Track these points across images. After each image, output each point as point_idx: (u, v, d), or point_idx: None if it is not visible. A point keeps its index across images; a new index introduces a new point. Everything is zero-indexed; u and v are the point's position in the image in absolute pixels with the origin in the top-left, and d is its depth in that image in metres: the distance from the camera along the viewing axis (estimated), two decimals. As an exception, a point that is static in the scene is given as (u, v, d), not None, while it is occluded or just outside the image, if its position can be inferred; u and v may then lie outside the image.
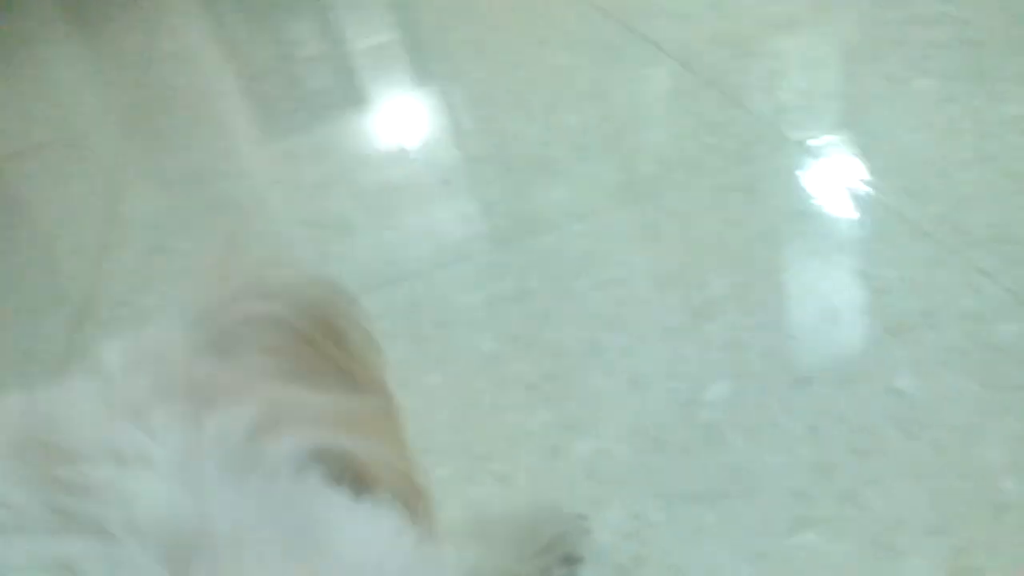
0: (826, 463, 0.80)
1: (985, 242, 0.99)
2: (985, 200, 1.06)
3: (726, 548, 0.74)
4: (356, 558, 0.31)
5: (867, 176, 1.17)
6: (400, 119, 1.68)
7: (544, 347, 1.02)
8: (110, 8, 2.64)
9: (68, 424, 0.32)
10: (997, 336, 0.88)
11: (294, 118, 1.77)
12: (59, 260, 1.50)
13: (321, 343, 0.41)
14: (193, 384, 0.34)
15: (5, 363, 1.22)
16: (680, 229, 1.16)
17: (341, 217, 1.39)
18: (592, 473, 0.85)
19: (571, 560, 0.74)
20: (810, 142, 1.26)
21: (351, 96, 1.87)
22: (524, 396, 0.95)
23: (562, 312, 1.08)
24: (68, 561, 0.28)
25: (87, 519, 0.29)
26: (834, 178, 1.18)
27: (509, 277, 1.16)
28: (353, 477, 0.36)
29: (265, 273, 0.43)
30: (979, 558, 0.69)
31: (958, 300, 0.93)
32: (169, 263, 1.35)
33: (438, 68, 1.88)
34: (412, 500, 0.40)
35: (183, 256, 1.35)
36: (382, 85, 1.85)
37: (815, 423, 0.84)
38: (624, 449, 0.86)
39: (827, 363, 0.90)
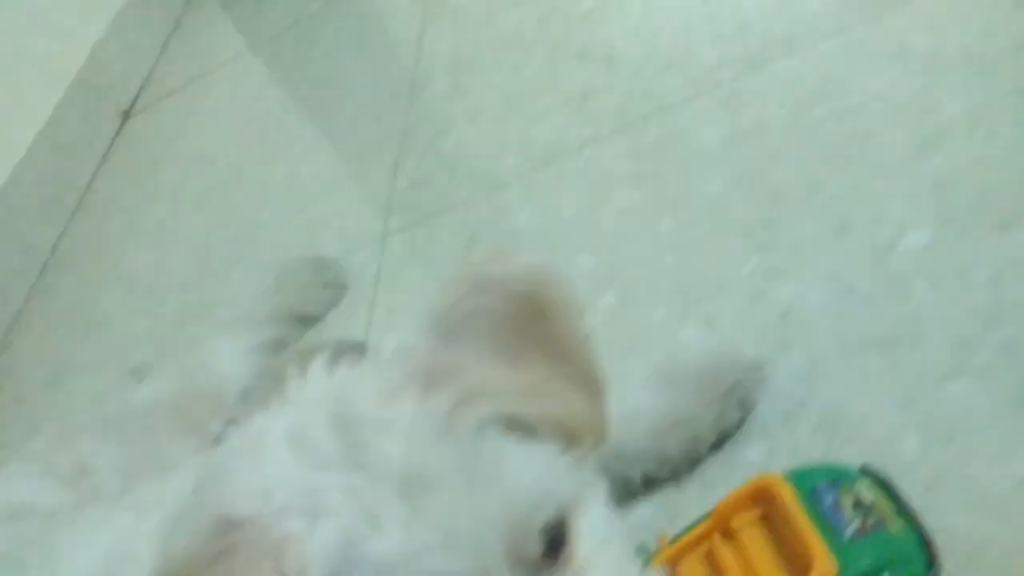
0: (997, 312, 0.84)
1: None
2: None
3: (881, 394, 0.85)
4: (515, 480, 0.52)
5: None
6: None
7: (766, 189, 1.11)
8: None
9: (354, 400, 0.53)
10: None
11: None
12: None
13: (526, 326, 0.59)
14: (426, 371, 0.55)
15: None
16: (927, 45, 1.12)
17: (608, 48, 1.51)
18: (785, 317, 0.98)
19: (745, 406, 0.89)
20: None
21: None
22: (740, 243, 1.08)
23: (791, 149, 1.14)
24: (349, 487, 0.49)
25: (361, 461, 0.50)
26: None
27: (751, 108, 1.24)
28: (523, 429, 0.55)
29: (490, 267, 0.60)
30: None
31: None
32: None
33: None
34: (579, 437, 0.57)
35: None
36: None
37: (1001, 270, 0.87)
38: (817, 296, 0.97)
39: (1034, 206, 0.90)
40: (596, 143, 1.37)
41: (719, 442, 0.89)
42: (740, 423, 0.89)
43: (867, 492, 0.73)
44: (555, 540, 0.54)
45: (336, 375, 0.58)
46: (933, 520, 0.72)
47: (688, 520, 0.80)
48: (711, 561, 0.75)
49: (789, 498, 0.72)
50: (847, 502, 0.71)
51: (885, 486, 0.75)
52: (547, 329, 0.60)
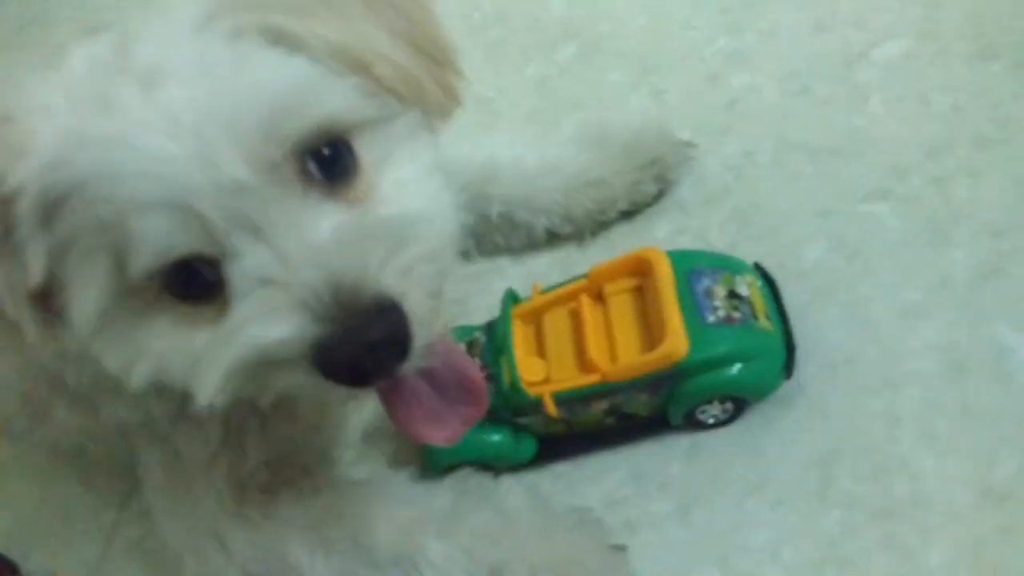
0: (943, 144, 0.81)
1: None
2: None
3: (804, 199, 0.83)
4: (260, 83, 0.50)
5: None
6: None
7: (758, -30, 1.03)
8: None
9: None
10: None
11: None
12: None
13: None
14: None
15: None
16: None
17: None
18: (732, 105, 0.93)
19: (662, 180, 0.86)
20: None
21: None
22: (714, 19, 1.01)
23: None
24: (82, 77, 0.50)
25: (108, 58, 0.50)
26: None
27: None
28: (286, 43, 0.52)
29: None
30: (1013, 266, 0.73)
31: None
32: None
33: None
34: (385, 79, 0.55)
35: None
36: None
37: (963, 102, 0.83)
38: (771, 91, 0.92)
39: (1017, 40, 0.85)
40: None
41: (630, 212, 0.87)
42: (655, 197, 0.87)
43: (746, 287, 0.72)
44: (334, 162, 0.53)
45: None
46: (807, 327, 0.73)
47: (577, 279, 0.80)
48: (574, 318, 0.74)
49: (664, 274, 0.70)
50: (721, 291, 0.70)
51: (770, 286, 0.74)
52: None
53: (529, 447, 0.74)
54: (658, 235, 0.86)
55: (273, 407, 0.70)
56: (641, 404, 0.71)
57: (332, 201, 0.53)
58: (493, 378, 0.72)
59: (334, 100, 0.53)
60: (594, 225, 0.88)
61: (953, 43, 0.88)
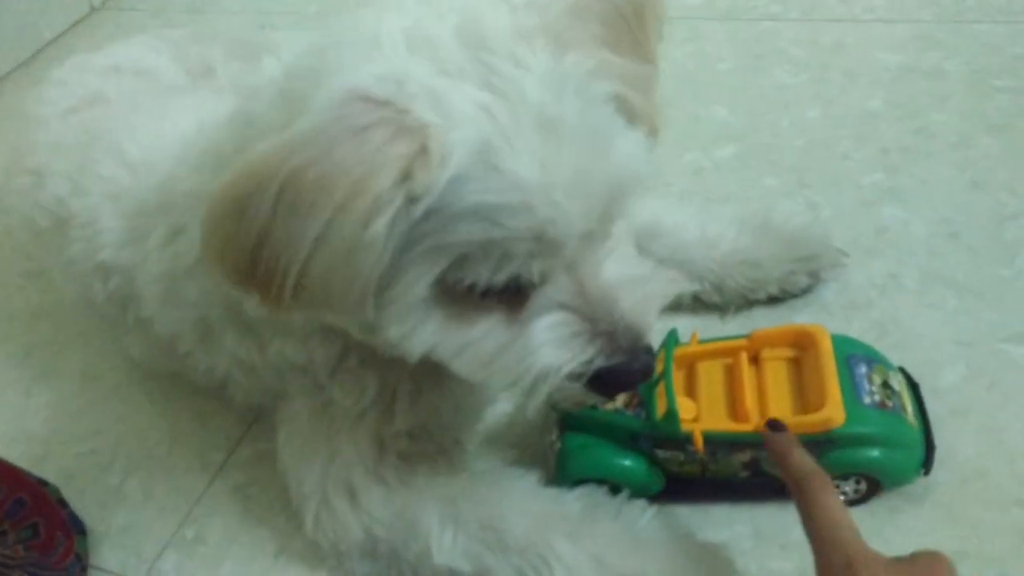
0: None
1: None
2: None
3: (945, 328, 0.88)
4: (622, 154, 0.57)
5: None
6: None
7: (920, 123, 1.12)
8: None
9: (486, 24, 0.56)
10: None
11: None
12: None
13: (632, 23, 0.62)
14: (555, 33, 0.58)
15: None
16: None
17: None
18: (883, 232, 1.00)
19: (814, 276, 0.92)
20: None
21: None
22: (873, 156, 1.09)
23: (961, 95, 1.14)
24: (484, 104, 0.53)
25: (494, 85, 0.54)
26: None
27: (936, 51, 1.22)
28: (628, 113, 0.60)
29: None
30: None
31: None
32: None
33: None
34: (652, 132, 0.62)
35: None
36: None
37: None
38: (921, 228, 0.99)
39: None
40: (775, 21, 1.36)
41: (777, 298, 0.93)
42: (803, 290, 0.93)
43: (897, 383, 0.76)
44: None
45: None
46: (942, 438, 0.76)
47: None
48: (729, 372, 0.77)
49: (827, 349, 0.74)
50: (877, 378, 0.74)
51: (914, 388, 0.78)
52: (642, 34, 0.63)
53: (659, 481, 0.76)
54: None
55: (426, 375, 0.73)
56: None
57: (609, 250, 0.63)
58: (644, 407, 0.75)
59: (651, 171, 0.60)
60: (740, 301, 0.93)
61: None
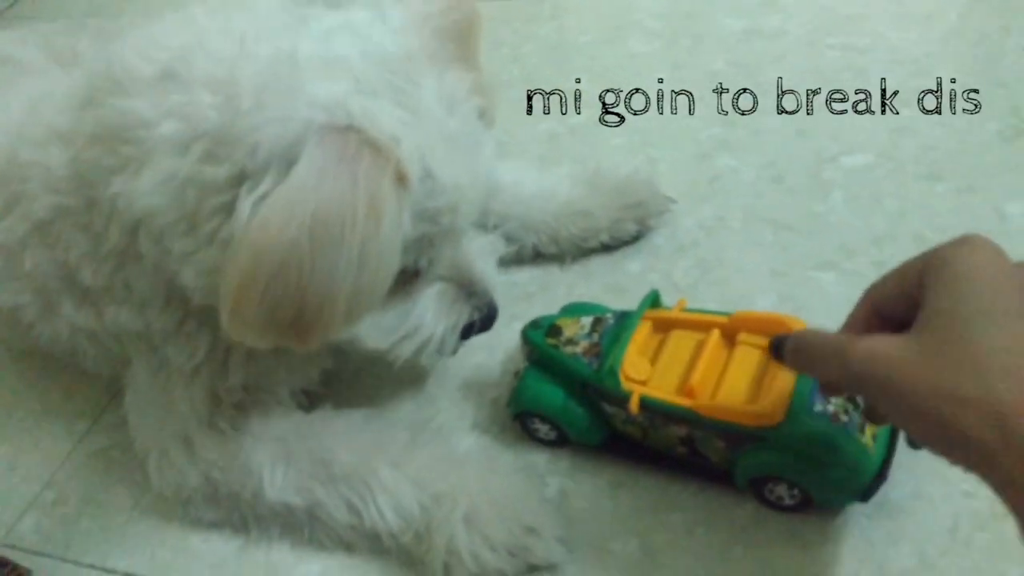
0: (887, 236, 0.94)
1: None
2: None
3: (761, 261, 0.95)
4: (490, 157, 0.70)
5: None
6: None
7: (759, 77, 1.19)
8: None
9: (383, 46, 0.65)
10: None
11: None
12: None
13: (466, 38, 0.72)
14: (427, 52, 0.67)
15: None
16: None
17: None
18: (715, 180, 1.06)
19: (641, 223, 0.98)
20: None
21: None
22: (714, 116, 1.16)
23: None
24: (404, 120, 0.62)
25: (404, 103, 0.62)
26: None
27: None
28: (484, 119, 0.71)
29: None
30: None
31: None
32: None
33: None
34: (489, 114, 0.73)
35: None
36: None
37: (907, 209, 0.96)
38: (750, 174, 1.05)
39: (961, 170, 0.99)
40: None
41: (610, 245, 0.99)
42: (633, 237, 0.99)
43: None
44: None
45: (347, 15, 0.67)
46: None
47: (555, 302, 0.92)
48: (698, 348, 0.74)
49: None
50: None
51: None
52: (473, 46, 0.73)
53: (600, 433, 0.77)
54: (631, 269, 0.97)
55: None
56: (715, 449, 0.71)
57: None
58: (600, 357, 0.75)
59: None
60: (576, 251, 0.98)
61: (908, 164, 1.02)
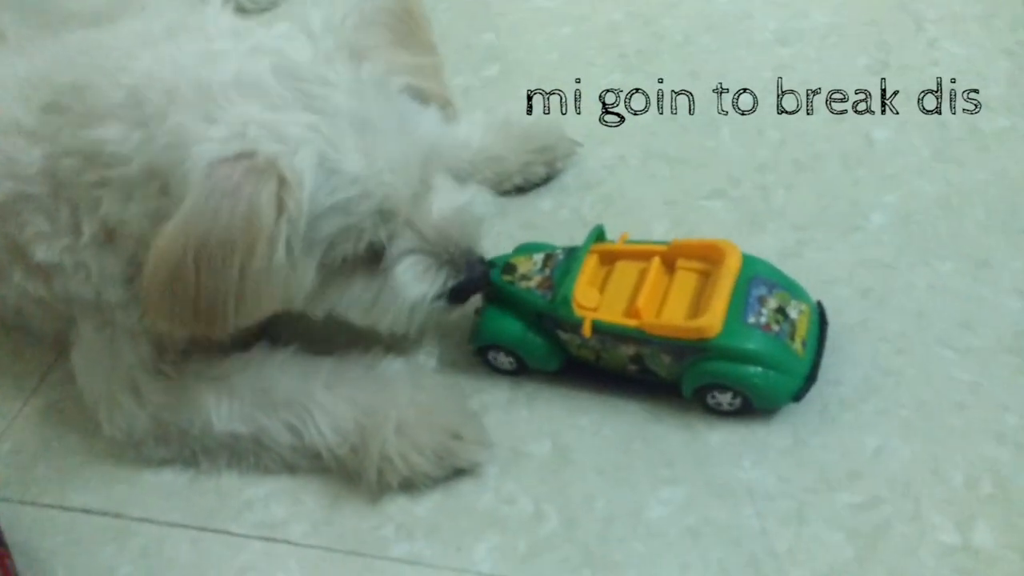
0: (770, 164, 1.03)
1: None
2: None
3: (658, 192, 1.04)
4: (424, 131, 0.75)
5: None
6: None
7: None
8: None
9: (294, 59, 0.72)
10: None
11: None
12: None
13: (408, 23, 0.80)
14: (350, 47, 0.75)
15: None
16: None
17: None
18: (617, 126, 1.15)
19: (550, 166, 1.06)
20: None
21: None
22: (614, 61, 1.24)
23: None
24: (310, 124, 0.69)
25: (314, 106, 0.70)
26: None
27: None
28: (420, 96, 0.77)
29: None
30: (807, 251, 0.93)
31: None
32: None
33: None
34: (446, 108, 0.80)
35: None
36: None
37: (787, 138, 1.06)
38: (648, 116, 1.14)
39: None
40: None
41: (522, 187, 1.07)
42: (543, 179, 1.07)
43: (797, 312, 0.78)
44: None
45: (266, 33, 0.76)
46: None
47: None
48: (641, 275, 0.81)
49: (730, 267, 0.77)
50: (772, 303, 0.77)
51: (821, 328, 0.81)
52: (418, 30, 0.81)
53: (557, 360, 0.84)
54: (543, 207, 1.05)
55: None
56: (662, 365, 0.78)
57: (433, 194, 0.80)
58: (553, 290, 0.82)
59: (445, 131, 0.79)
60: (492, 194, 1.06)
61: (786, 99, 1.11)
